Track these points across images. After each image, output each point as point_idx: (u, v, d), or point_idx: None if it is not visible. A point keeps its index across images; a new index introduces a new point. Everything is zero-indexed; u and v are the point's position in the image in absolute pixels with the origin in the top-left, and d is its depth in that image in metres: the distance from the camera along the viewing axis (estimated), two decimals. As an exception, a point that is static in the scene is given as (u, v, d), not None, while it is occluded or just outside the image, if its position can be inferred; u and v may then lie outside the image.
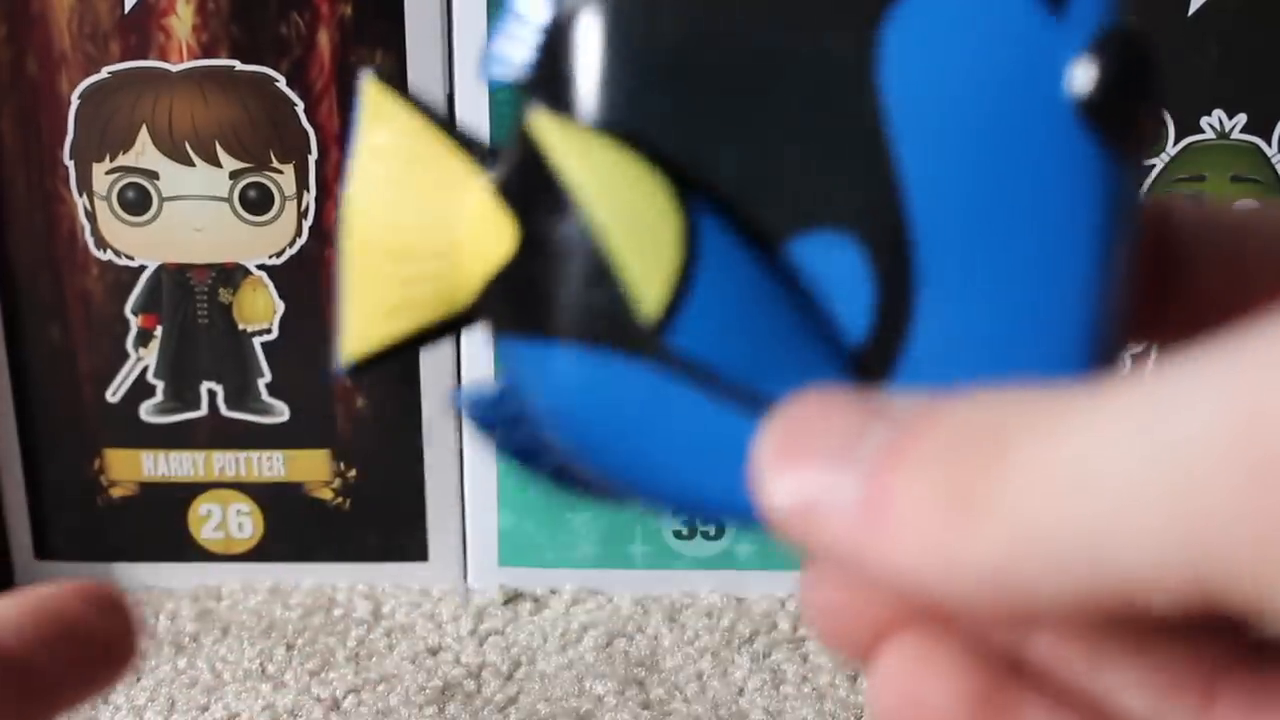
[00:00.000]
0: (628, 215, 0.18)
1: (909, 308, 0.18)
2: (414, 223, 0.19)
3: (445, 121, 0.20)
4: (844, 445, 0.15)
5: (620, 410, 0.18)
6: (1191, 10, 0.44)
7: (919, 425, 0.15)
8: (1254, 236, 0.19)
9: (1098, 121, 0.18)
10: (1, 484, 0.49)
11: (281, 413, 0.48)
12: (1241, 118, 0.45)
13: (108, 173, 0.46)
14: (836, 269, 0.18)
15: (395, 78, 0.46)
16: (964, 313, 0.18)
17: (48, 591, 0.21)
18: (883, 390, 0.17)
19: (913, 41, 0.18)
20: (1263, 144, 0.46)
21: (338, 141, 0.45)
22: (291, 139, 0.45)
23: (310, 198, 0.46)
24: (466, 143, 0.19)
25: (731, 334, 0.18)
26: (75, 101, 0.45)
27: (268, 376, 0.48)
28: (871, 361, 0.18)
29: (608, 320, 0.18)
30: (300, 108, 0.45)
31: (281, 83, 0.45)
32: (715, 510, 0.18)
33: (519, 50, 0.19)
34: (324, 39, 0.44)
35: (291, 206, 0.46)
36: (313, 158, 0.46)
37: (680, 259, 0.18)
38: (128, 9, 0.44)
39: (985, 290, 0.18)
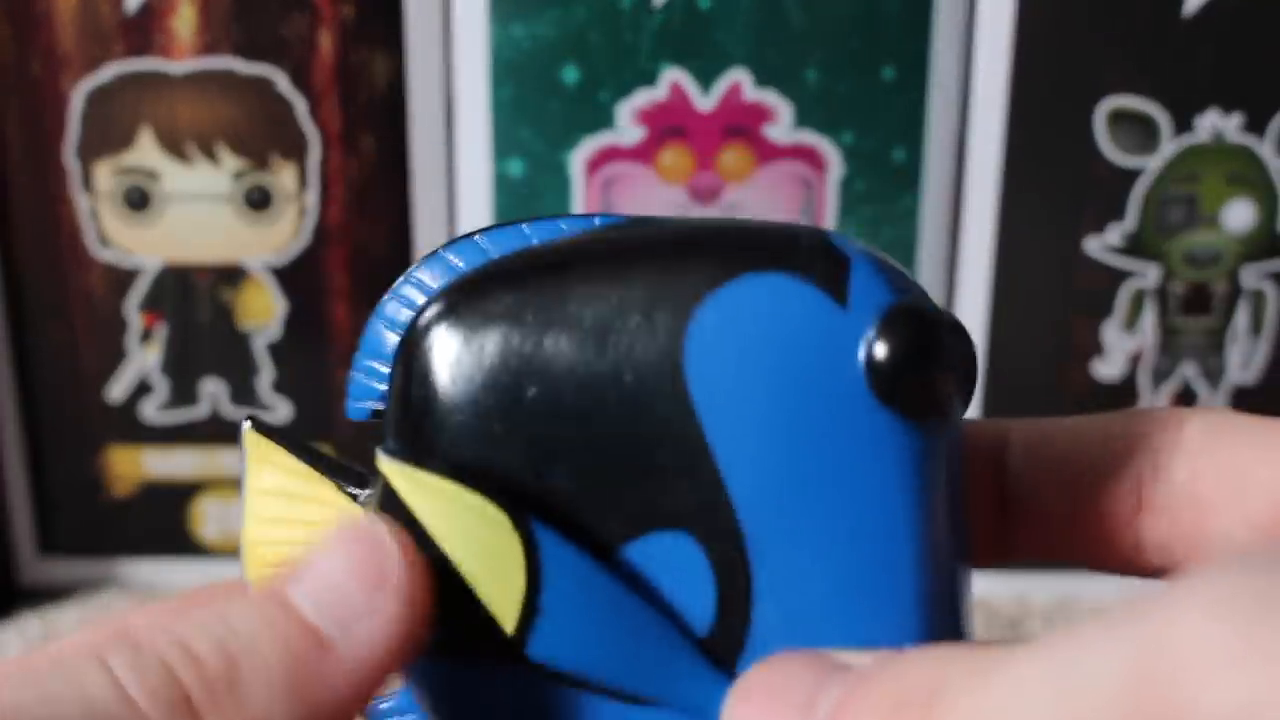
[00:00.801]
0: (474, 546, 0.19)
1: (748, 593, 0.19)
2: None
3: (319, 459, 0.21)
4: (805, 704, 0.17)
5: (509, 717, 0.20)
6: (1187, 12, 0.44)
7: (866, 682, 0.17)
8: (1082, 448, 0.21)
9: (891, 396, 0.19)
10: (5, 480, 0.49)
11: (283, 411, 0.48)
12: (1237, 118, 0.46)
13: (110, 172, 0.46)
14: (676, 565, 0.19)
15: (396, 86, 0.46)
16: (798, 592, 0.19)
17: None
18: (839, 653, 0.18)
19: (712, 343, 0.19)
20: (1258, 145, 0.46)
21: (339, 141, 0.46)
22: (293, 139, 0.46)
23: (311, 197, 0.46)
24: (341, 474, 0.21)
25: (585, 640, 0.19)
26: (78, 101, 0.45)
27: (269, 375, 0.48)
28: (720, 647, 0.19)
29: (477, 638, 0.19)
30: (301, 108, 0.45)
31: (283, 83, 0.45)
32: None
33: (373, 387, 0.21)
34: (325, 40, 0.45)
35: (293, 206, 0.46)
36: (314, 158, 0.46)
37: (525, 579, 0.19)
38: (130, 10, 0.44)
39: (813, 568, 0.19)
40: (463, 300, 0.20)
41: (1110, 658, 0.14)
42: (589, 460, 0.19)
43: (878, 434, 0.19)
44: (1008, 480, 0.21)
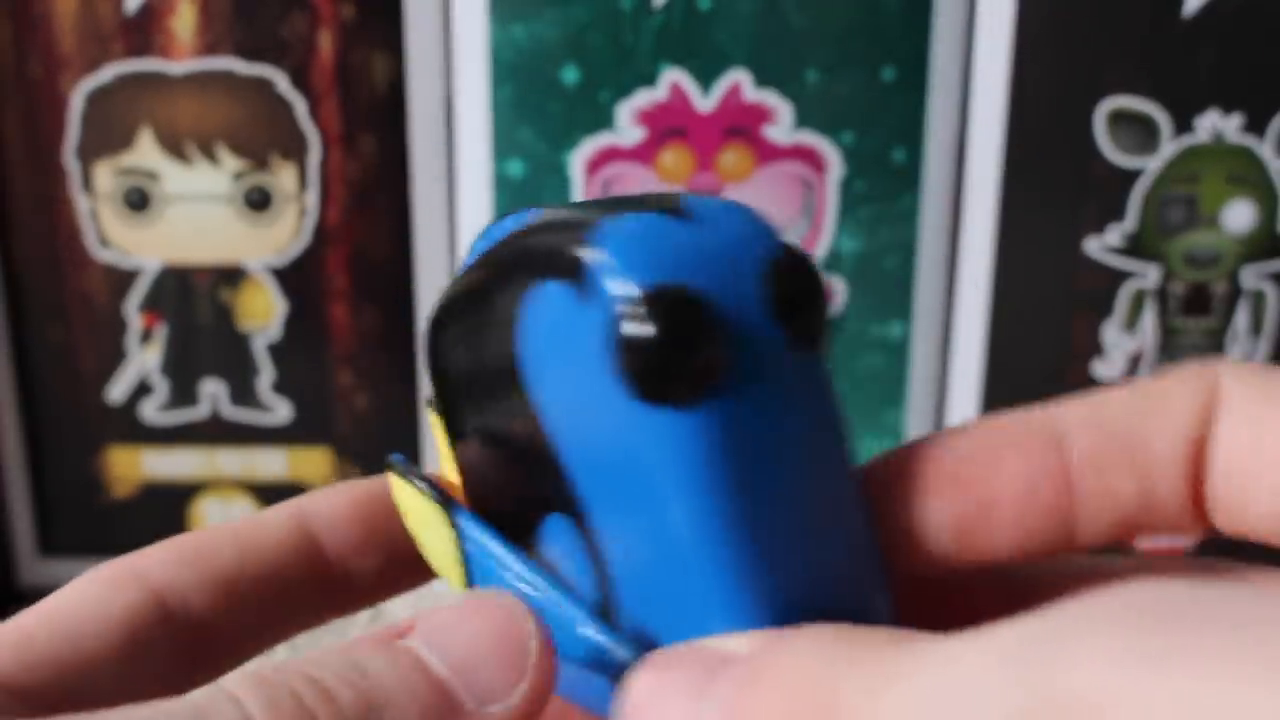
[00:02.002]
0: (429, 538, 0.23)
1: (607, 571, 0.21)
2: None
3: (429, 489, 0.23)
4: (687, 713, 0.17)
5: None
6: (1187, 13, 0.44)
7: (754, 685, 0.17)
8: (1134, 420, 0.21)
9: (637, 384, 0.19)
10: (6, 481, 0.49)
11: (283, 411, 0.48)
12: (1237, 119, 0.46)
13: (110, 173, 0.46)
14: (564, 543, 0.21)
15: (396, 87, 0.46)
16: (637, 567, 0.20)
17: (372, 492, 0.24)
18: (721, 642, 0.19)
19: (530, 346, 0.21)
20: (1258, 145, 0.46)
21: (339, 142, 0.46)
22: (293, 140, 0.46)
23: (311, 198, 0.46)
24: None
25: None
26: (78, 102, 0.45)
27: (269, 375, 0.48)
28: (608, 614, 0.21)
29: None
30: (301, 109, 0.45)
31: (283, 84, 0.45)
32: None
33: None
34: (325, 40, 0.45)
35: (293, 207, 0.46)
36: (314, 158, 0.46)
37: (459, 558, 0.22)
38: (130, 11, 0.44)
39: (642, 547, 0.20)
40: (438, 311, 0.22)
41: (999, 696, 0.14)
42: (492, 454, 0.22)
43: (638, 424, 0.19)
44: (1069, 466, 0.21)
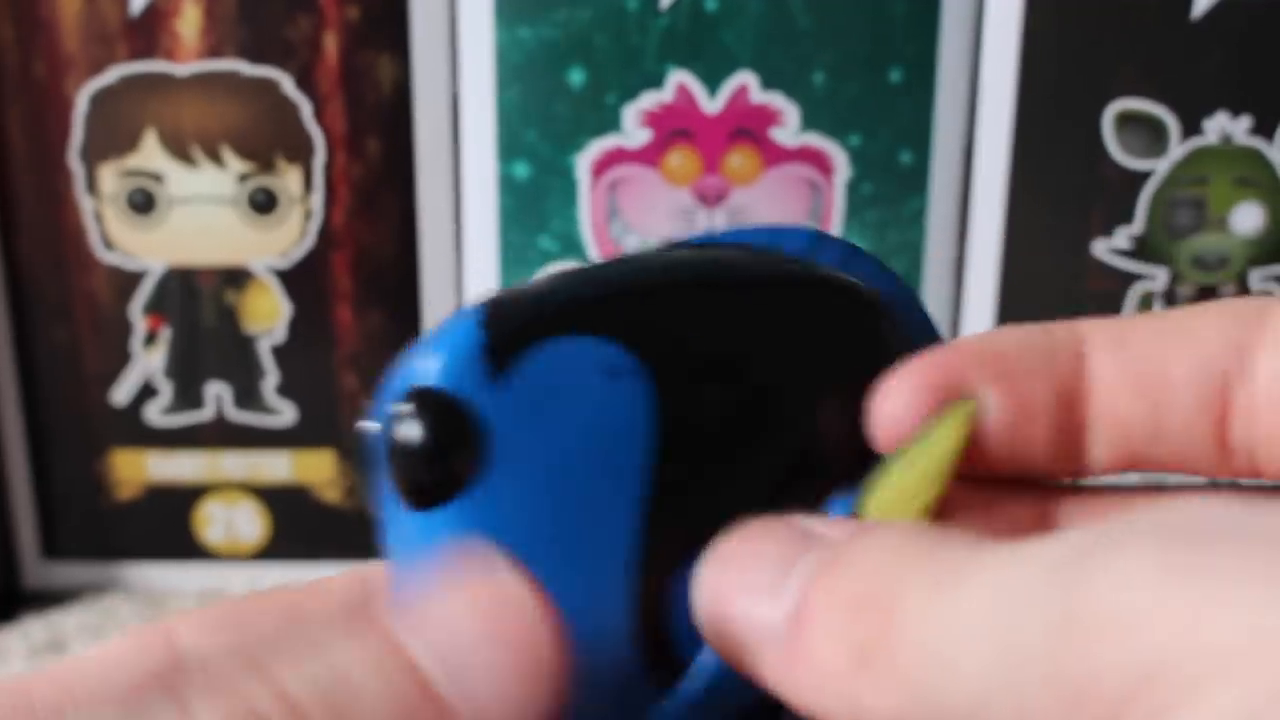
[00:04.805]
0: None
1: None
2: None
3: None
4: (773, 580, 0.18)
5: None
6: (1196, 14, 0.44)
7: (833, 569, 0.17)
8: (1162, 348, 0.20)
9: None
10: (9, 483, 0.49)
11: (288, 414, 0.48)
12: (1246, 121, 0.45)
13: (114, 175, 0.46)
14: None
15: (401, 88, 0.46)
16: None
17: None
18: (813, 523, 0.19)
19: None
20: (1267, 147, 0.46)
21: (344, 144, 0.46)
22: (298, 141, 0.45)
23: (316, 200, 0.46)
24: None
25: None
26: (82, 104, 0.45)
27: (274, 378, 0.48)
28: None
29: None
30: (306, 110, 0.45)
31: (288, 85, 0.45)
32: None
33: None
34: (330, 42, 0.44)
35: (297, 209, 0.46)
36: (319, 160, 0.46)
37: None
38: (135, 12, 0.44)
39: None
40: None
41: (1043, 605, 0.15)
42: None
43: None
44: (1085, 385, 0.20)
